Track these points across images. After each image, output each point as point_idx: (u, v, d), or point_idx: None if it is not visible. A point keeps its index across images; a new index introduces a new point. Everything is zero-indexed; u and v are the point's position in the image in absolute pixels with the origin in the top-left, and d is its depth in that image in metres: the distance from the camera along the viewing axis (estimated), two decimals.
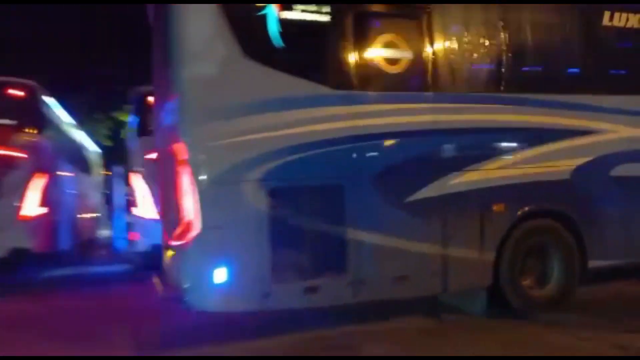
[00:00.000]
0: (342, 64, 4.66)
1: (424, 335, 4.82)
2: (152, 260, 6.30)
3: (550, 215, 5.37)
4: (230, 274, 4.18)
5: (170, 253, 5.08)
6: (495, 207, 5.08)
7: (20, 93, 8.34)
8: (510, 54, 5.23)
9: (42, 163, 8.43)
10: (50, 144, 8.89)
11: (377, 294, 4.72)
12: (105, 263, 10.76)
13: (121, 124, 16.55)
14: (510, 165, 5.18)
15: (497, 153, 5.17)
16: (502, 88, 5.23)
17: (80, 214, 11.40)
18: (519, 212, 5.17)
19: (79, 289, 7.81)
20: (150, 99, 6.88)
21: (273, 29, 4.38)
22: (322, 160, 4.49)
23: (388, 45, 4.78)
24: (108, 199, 13.97)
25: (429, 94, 4.93)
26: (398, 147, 4.79)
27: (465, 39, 5.11)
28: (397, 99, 4.83)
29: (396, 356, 3.99)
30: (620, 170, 5.63)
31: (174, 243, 4.55)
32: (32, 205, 8.09)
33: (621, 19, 5.79)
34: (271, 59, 4.38)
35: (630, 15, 5.81)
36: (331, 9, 4.60)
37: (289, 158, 4.39)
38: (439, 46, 4.96)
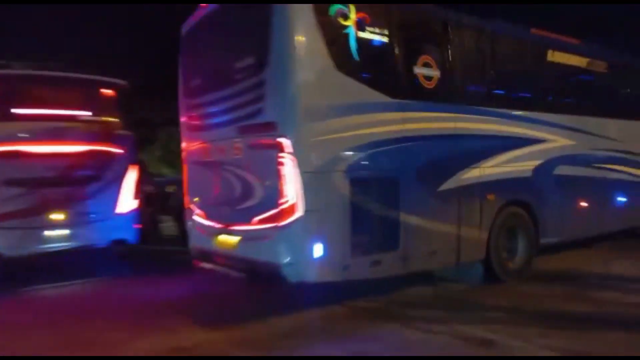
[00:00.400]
0: (395, 77, 5.74)
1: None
2: None
3: (519, 204, 6.95)
4: (324, 250, 4.99)
5: (230, 239, 5.68)
6: (489, 197, 6.52)
7: (113, 92, 8.68)
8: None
9: (134, 158, 9.04)
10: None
11: (416, 266, 5.85)
12: None
13: None
14: (497, 164, 6.66)
15: (490, 154, 6.60)
16: (495, 105, 6.73)
17: None
18: (503, 201, 6.68)
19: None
20: None
21: (353, 46, 5.30)
22: (384, 157, 5.50)
23: (425, 65, 5.96)
24: None
25: (451, 105, 6.19)
26: (432, 147, 5.99)
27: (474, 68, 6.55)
28: (428, 108, 6.01)
29: (393, 356, 4.35)
30: (558, 170, 7.47)
31: (262, 226, 5.21)
32: (128, 197, 8.56)
33: (559, 57, 7.71)
34: (353, 72, 5.29)
35: (566, 55, 7.76)
36: (388, 33, 5.64)
37: (362, 153, 5.34)
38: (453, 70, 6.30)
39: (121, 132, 8.67)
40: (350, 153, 5.24)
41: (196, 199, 6.50)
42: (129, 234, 8.59)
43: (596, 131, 8.08)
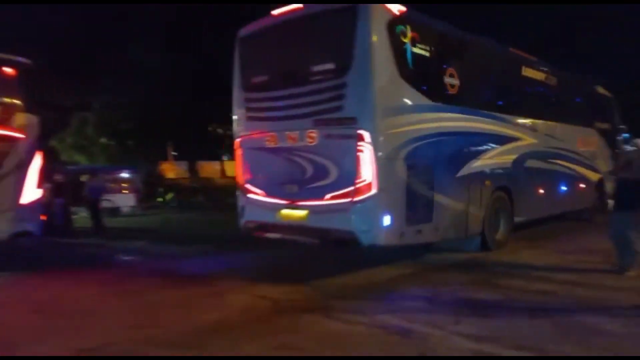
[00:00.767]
0: (433, 84, 7.23)
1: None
2: None
3: (503, 189, 8.70)
4: (391, 220, 6.34)
5: (297, 212, 6.87)
6: (486, 183, 8.19)
7: (14, 70, 7.93)
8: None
9: (39, 144, 8.21)
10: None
11: (442, 236, 7.37)
12: None
13: None
14: (492, 156, 8.37)
15: (488, 148, 8.28)
16: (492, 109, 8.47)
17: None
18: (495, 186, 8.39)
19: None
20: None
21: (409, 58, 6.67)
22: (426, 148, 6.92)
23: (450, 75, 7.47)
24: None
25: (466, 108, 7.76)
26: (453, 141, 7.51)
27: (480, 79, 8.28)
28: (453, 110, 7.52)
29: (387, 356, 4.30)
30: (526, 163, 9.36)
31: (337, 201, 6.47)
32: (32, 187, 7.92)
33: (530, 72, 9.66)
34: (408, 79, 6.68)
35: (537, 72, 9.80)
36: (428, 49, 7.08)
37: (413, 145, 6.73)
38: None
39: (24, 115, 7.92)
40: (406, 144, 6.62)
41: (254, 179, 7.50)
42: (33, 226, 8.00)
43: (549, 132, 10.13)
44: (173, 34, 23.43)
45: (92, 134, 26.49)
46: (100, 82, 22.86)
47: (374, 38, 6.25)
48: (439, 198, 7.12)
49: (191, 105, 24.69)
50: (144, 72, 22.59)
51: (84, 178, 15.71)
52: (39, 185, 8.11)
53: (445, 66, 7.40)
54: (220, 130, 30.40)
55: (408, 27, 6.67)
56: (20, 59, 8.05)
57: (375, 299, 5.88)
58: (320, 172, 6.67)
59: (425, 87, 6.98)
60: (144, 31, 22.25)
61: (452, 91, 7.49)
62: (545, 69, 10.26)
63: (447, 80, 7.40)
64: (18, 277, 7.54)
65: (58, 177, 13.82)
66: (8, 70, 7.89)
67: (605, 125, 12.74)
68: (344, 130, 6.42)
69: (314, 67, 6.76)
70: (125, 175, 20.21)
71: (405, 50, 6.63)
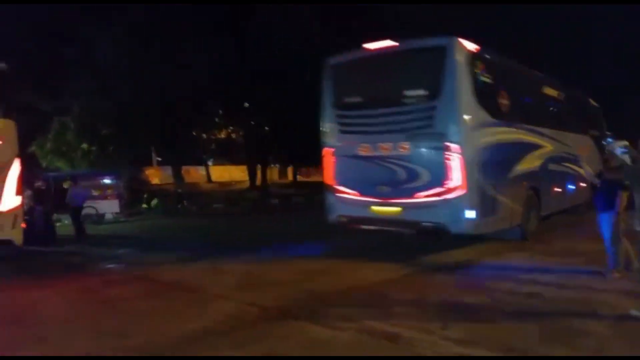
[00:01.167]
0: (493, 105, 8.79)
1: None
2: None
3: (533, 189, 10.28)
4: (474, 214, 7.94)
5: (390, 209, 8.43)
6: (524, 183, 9.83)
7: None
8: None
9: (17, 150, 8.02)
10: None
11: (501, 226, 8.92)
12: None
13: None
14: (527, 161, 9.96)
15: (525, 155, 9.88)
16: (528, 122, 10.15)
17: None
18: (529, 186, 10.00)
19: None
20: None
21: (480, 85, 8.32)
22: (490, 155, 8.47)
23: (502, 97, 9.10)
24: None
25: (513, 123, 9.41)
26: (505, 150, 9.10)
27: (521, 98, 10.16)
28: (505, 125, 9.13)
29: (396, 356, 4.36)
30: (547, 166, 11.04)
31: (428, 199, 8.06)
32: (10, 194, 7.78)
33: (548, 90, 11.63)
34: (480, 101, 8.26)
35: (552, 90, 11.79)
36: (489, 76, 8.66)
37: (484, 154, 8.30)
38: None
39: (0, 120, 7.83)
40: (479, 153, 8.21)
41: (344, 181, 8.98)
42: (13, 234, 7.85)
43: (561, 140, 11.88)
44: (151, 36, 22.76)
45: (73, 139, 25.83)
46: (79, 86, 22.41)
47: (460, 71, 7.88)
48: (499, 196, 8.75)
49: (173, 109, 24.26)
50: (124, 76, 22.11)
51: (66, 185, 15.34)
52: (18, 192, 7.98)
53: (499, 89, 9.07)
54: (204, 135, 30.21)
55: (479, 61, 8.37)
56: None
57: (363, 304, 5.86)
58: (411, 175, 8.25)
59: (488, 107, 8.58)
60: (123, 33, 21.70)
61: (504, 109, 9.18)
62: (557, 85, 12.08)
63: (501, 100, 9.08)
64: None
65: (39, 184, 13.57)
66: None
67: (595, 132, 14.78)
68: (434, 142, 7.99)
69: (406, 91, 8.34)
70: (107, 181, 19.67)
71: (477, 79, 8.29)
